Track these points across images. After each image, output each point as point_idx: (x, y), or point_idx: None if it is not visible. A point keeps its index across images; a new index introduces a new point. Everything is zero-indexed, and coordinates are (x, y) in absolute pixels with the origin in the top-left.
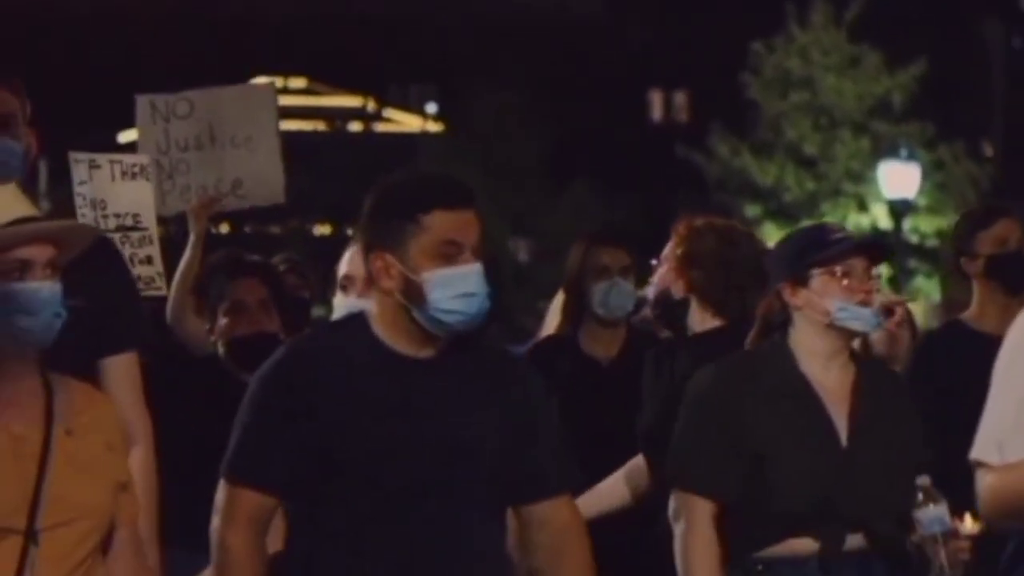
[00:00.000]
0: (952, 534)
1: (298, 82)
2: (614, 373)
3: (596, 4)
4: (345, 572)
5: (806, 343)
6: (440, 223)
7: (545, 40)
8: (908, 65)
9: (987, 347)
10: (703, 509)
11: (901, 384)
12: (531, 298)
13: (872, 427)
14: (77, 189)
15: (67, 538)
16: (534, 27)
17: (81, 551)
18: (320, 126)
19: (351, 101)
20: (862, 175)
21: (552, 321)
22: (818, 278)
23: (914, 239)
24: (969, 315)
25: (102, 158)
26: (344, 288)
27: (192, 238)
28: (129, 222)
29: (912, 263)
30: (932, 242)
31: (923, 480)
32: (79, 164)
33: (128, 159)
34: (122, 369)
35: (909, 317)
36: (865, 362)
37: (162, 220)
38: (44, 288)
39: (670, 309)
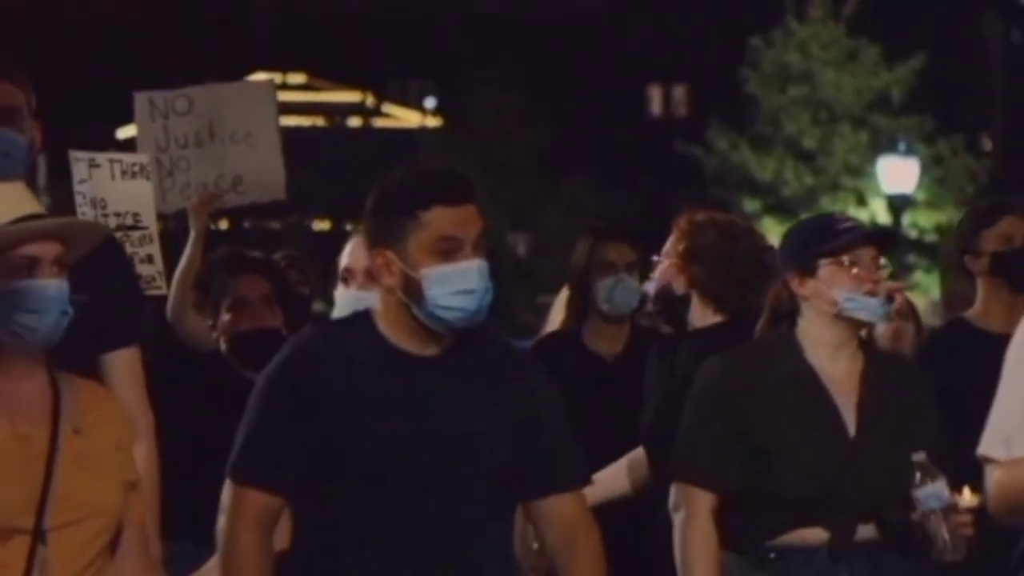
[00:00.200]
0: (952, 508)
1: (297, 78)
2: (618, 369)
3: None
4: (349, 571)
5: (814, 333)
6: (438, 219)
7: (544, 34)
8: (907, 59)
9: (992, 345)
10: (703, 500)
11: (914, 374)
12: (530, 292)
13: (880, 418)
14: (77, 188)
15: (76, 538)
16: (533, 22)
17: (90, 551)
18: (319, 122)
19: (350, 97)
20: (861, 169)
21: (556, 317)
22: (826, 268)
23: (913, 234)
24: (973, 313)
25: (101, 157)
26: (345, 280)
27: (193, 235)
28: (129, 221)
29: (911, 258)
30: (931, 237)
31: (919, 456)
32: (79, 163)
33: (128, 158)
34: (124, 364)
35: (914, 312)
36: (875, 352)
37: (161, 216)
38: (51, 286)
39: (671, 305)
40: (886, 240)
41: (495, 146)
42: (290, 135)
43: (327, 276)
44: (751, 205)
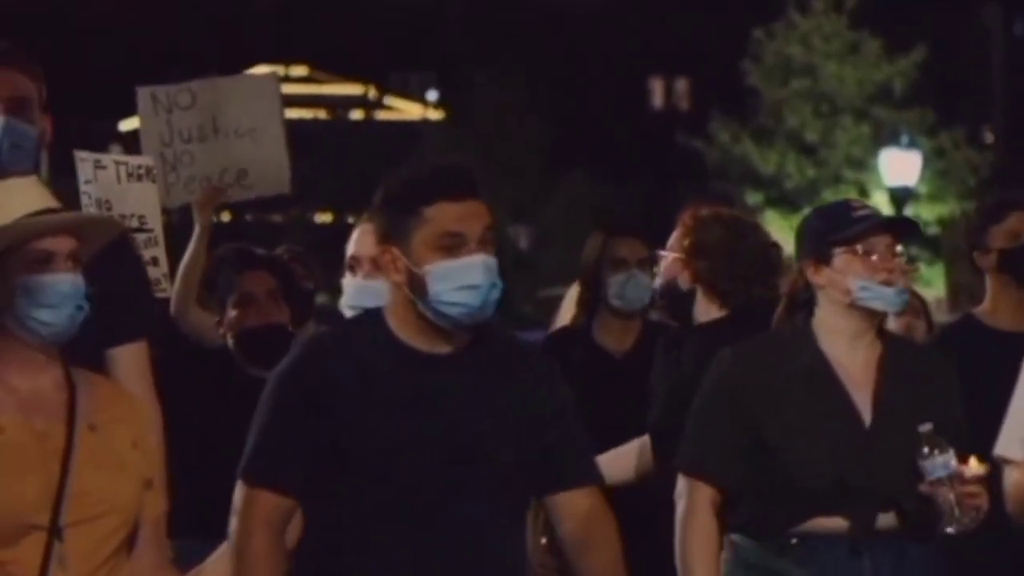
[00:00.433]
0: (958, 477)
1: (299, 70)
2: (628, 365)
3: None
4: (360, 570)
5: (829, 323)
6: (441, 214)
7: (546, 27)
8: (908, 52)
9: (1000, 343)
10: (704, 493)
11: (934, 361)
12: (531, 285)
13: (897, 406)
14: (83, 188)
15: (92, 534)
16: (535, 14)
17: (106, 548)
18: (321, 114)
19: (352, 89)
20: (863, 162)
21: (566, 312)
22: (840, 256)
23: None
24: (982, 310)
25: (107, 158)
26: (352, 269)
27: (197, 230)
28: (135, 223)
29: (913, 251)
30: (933, 229)
31: (926, 428)
32: (84, 163)
33: (133, 160)
34: (132, 359)
35: (924, 309)
36: (894, 341)
37: (164, 211)
38: (66, 280)
39: (677, 299)
40: (903, 228)
41: (497, 139)
42: (292, 128)
43: (328, 268)
44: (753, 198)
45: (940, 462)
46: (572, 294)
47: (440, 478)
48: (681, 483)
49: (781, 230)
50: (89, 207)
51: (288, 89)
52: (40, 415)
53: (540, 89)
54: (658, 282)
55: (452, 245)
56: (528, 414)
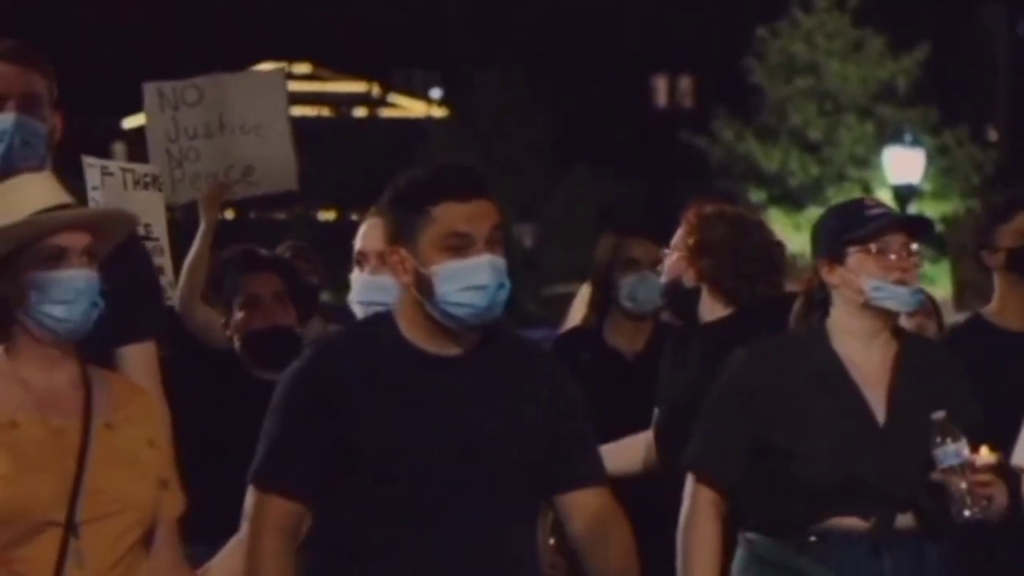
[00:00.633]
0: (970, 466)
1: (302, 68)
2: (639, 367)
3: None
4: (369, 572)
5: (844, 323)
6: (448, 214)
7: (549, 25)
8: (912, 50)
9: (1009, 343)
10: (707, 493)
11: (949, 361)
12: (535, 284)
13: (912, 405)
14: (90, 194)
15: (108, 531)
16: (538, 12)
17: (122, 545)
18: (325, 112)
19: (356, 87)
20: (867, 160)
21: (577, 313)
22: (854, 256)
23: None
24: (990, 310)
25: (114, 165)
26: (359, 263)
27: (203, 226)
28: (141, 231)
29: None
30: (937, 227)
31: (939, 415)
32: (91, 169)
33: (140, 168)
34: (140, 358)
35: (936, 309)
36: (910, 340)
37: (169, 208)
38: (80, 276)
39: (681, 298)
40: (918, 226)
41: (501, 138)
42: (295, 125)
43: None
44: (757, 196)
45: (952, 450)
46: (583, 294)
47: (449, 479)
48: (688, 482)
49: (784, 228)
50: None
51: (291, 87)
52: (56, 412)
53: (544, 87)
54: (662, 280)
55: (459, 245)
56: (537, 414)
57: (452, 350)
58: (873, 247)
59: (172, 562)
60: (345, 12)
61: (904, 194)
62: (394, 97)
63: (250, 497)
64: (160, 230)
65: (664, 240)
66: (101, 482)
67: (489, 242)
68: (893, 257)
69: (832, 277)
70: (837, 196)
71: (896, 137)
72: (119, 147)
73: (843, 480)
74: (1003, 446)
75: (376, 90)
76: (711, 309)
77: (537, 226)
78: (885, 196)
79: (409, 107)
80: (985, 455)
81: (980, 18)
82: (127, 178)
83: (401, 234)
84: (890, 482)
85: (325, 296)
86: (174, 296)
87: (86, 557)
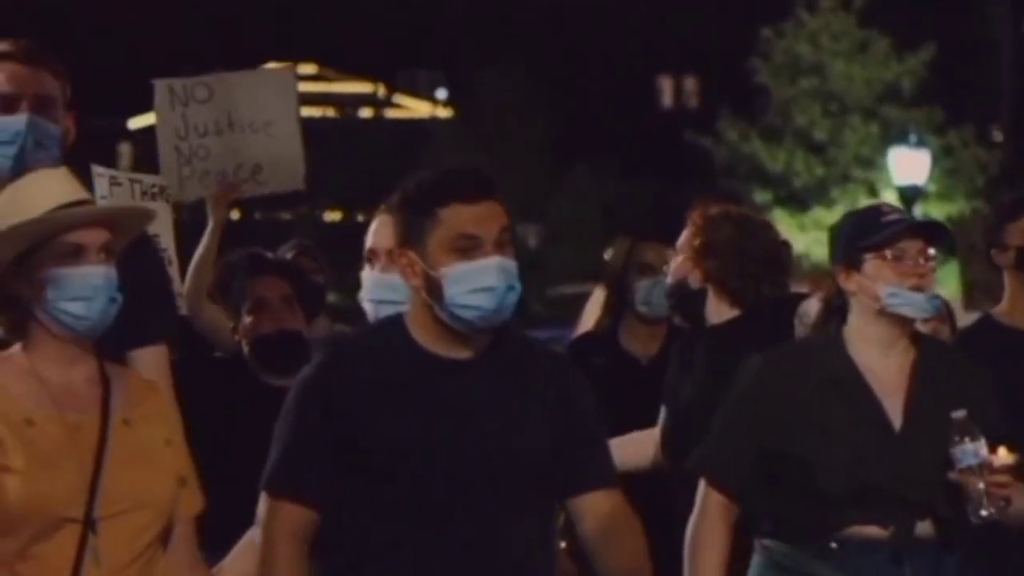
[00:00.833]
0: (987, 466)
1: (308, 68)
2: (653, 371)
3: None
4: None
5: (861, 330)
6: (456, 216)
7: (554, 25)
8: (917, 50)
9: (1019, 342)
10: (715, 498)
11: (970, 366)
12: (540, 284)
13: (930, 413)
14: (99, 202)
15: (125, 528)
16: (543, 13)
17: (139, 542)
18: (330, 112)
19: (361, 87)
20: (872, 161)
21: (590, 316)
22: (870, 262)
23: None
24: (1000, 310)
25: (123, 176)
26: (370, 261)
27: (211, 224)
28: None
29: None
30: None
31: (959, 414)
32: (100, 178)
33: (148, 179)
34: (152, 362)
35: (950, 313)
36: (929, 346)
37: (175, 206)
38: (98, 273)
39: (687, 299)
40: (934, 232)
41: (505, 138)
42: (301, 126)
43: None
44: (761, 196)
45: (971, 449)
46: (596, 298)
47: (458, 482)
48: (699, 486)
49: (789, 228)
50: None
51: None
52: (73, 408)
53: (549, 87)
54: (668, 281)
55: (467, 247)
56: (546, 417)
57: (462, 353)
58: (889, 253)
59: (189, 561)
60: (350, 13)
61: (909, 195)
62: (399, 98)
63: (263, 503)
64: (168, 240)
65: (673, 242)
66: (119, 479)
67: (498, 244)
68: (909, 263)
69: (849, 284)
70: (842, 197)
71: (901, 138)
72: (125, 148)
73: (860, 488)
74: (1015, 447)
75: (381, 91)
76: (717, 310)
77: (541, 226)
78: (890, 197)
79: (414, 108)
80: (1003, 456)
81: (985, 19)
82: (135, 188)
83: (410, 237)
84: (908, 489)
85: (331, 297)
86: (182, 306)
87: (103, 554)
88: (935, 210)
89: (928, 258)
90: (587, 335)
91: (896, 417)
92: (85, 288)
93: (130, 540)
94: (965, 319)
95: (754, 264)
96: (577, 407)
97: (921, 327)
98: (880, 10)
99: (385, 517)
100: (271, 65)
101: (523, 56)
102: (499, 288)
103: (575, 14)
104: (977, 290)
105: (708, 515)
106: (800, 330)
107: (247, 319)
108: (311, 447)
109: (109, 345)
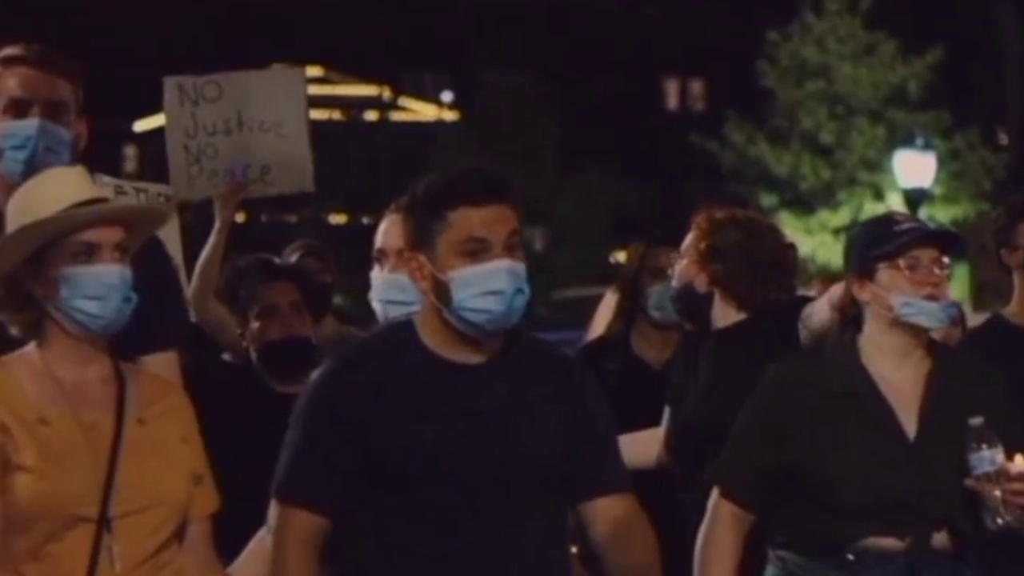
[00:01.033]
0: (1004, 473)
1: (314, 71)
2: (665, 376)
3: None
4: None
5: (876, 340)
6: (465, 219)
7: (560, 29)
8: (923, 53)
9: None
10: (727, 507)
11: (988, 374)
12: (546, 287)
13: (945, 423)
14: None
15: (140, 526)
16: (548, 16)
17: (154, 540)
18: (336, 115)
19: (367, 90)
20: (878, 164)
21: (601, 321)
22: (883, 272)
23: None
24: (1010, 311)
25: (128, 185)
26: (379, 261)
27: (218, 224)
28: None
29: None
30: None
31: (976, 421)
32: (105, 188)
33: (153, 188)
34: (163, 368)
35: (961, 317)
36: (946, 356)
37: (181, 206)
38: (112, 272)
39: (693, 303)
40: (947, 240)
41: (511, 141)
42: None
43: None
44: (768, 199)
45: (987, 457)
46: (607, 302)
47: (470, 487)
48: (712, 494)
49: (796, 232)
50: None
51: None
52: (87, 407)
53: (555, 90)
54: (673, 285)
55: (476, 250)
56: (560, 421)
57: (473, 358)
58: (902, 263)
59: (205, 559)
60: (356, 16)
61: (915, 198)
62: (405, 100)
63: (273, 510)
64: (175, 249)
65: (675, 243)
66: (133, 477)
67: (507, 247)
68: (923, 272)
69: (863, 293)
70: (848, 200)
71: (908, 141)
72: (130, 150)
73: (876, 499)
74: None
75: (387, 93)
76: (724, 314)
77: (547, 229)
78: (896, 200)
79: (420, 110)
80: (1020, 463)
81: (992, 22)
82: (140, 198)
83: (419, 240)
84: (924, 501)
85: (336, 300)
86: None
87: (118, 552)
88: (941, 213)
89: (942, 266)
90: (597, 341)
91: (911, 428)
92: (99, 287)
93: (145, 539)
94: (974, 320)
95: (761, 268)
96: (589, 410)
97: (933, 332)
98: (886, 13)
99: (397, 522)
100: (277, 67)
101: (529, 59)
102: (508, 291)
103: (581, 17)
104: (986, 291)
105: (720, 526)
106: (804, 334)
107: (255, 325)
108: (322, 453)
109: (120, 351)
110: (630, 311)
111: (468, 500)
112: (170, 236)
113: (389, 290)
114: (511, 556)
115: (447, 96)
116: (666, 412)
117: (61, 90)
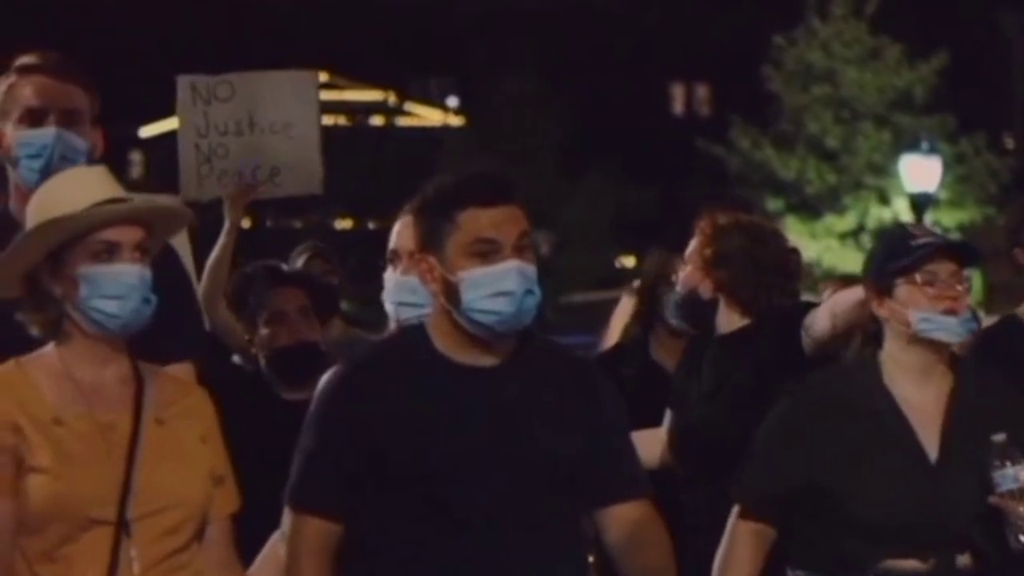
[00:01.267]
0: None
1: (320, 76)
2: None
3: None
4: None
5: (896, 357)
6: (474, 221)
7: (565, 34)
8: (929, 58)
9: None
10: (748, 525)
11: (1007, 390)
12: (552, 291)
13: (967, 444)
14: None
15: (158, 527)
16: (554, 21)
17: (172, 541)
18: (342, 120)
19: (373, 95)
20: (884, 168)
21: (617, 326)
22: (901, 287)
23: None
24: (1023, 311)
25: (138, 199)
26: (392, 262)
27: (227, 225)
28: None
29: None
30: (954, 236)
31: (999, 438)
32: None
33: (161, 199)
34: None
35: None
36: (968, 372)
37: (190, 206)
38: (132, 272)
39: (698, 309)
40: (965, 253)
41: (517, 146)
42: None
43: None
44: (773, 204)
45: (1011, 474)
46: (622, 307)
47: (487, 491)
48: (733, 511)
49: (801, 236)
50: None
51: None
52: (105, 407)
53: (560, 94)
54: (677, 291)
55: (485, 252)
56: (576, 423)
57: (485, 360)
58: (919, 277)
59: (224, 559)
60: (361, 21)
61: (921, 202)
62: (410, 105)
63: (286, 517)
64: (185, 254)
65: (680, 248)
66: (151, 478)
67: (517, 248)
68: (941, 287)
69: (881, 310)
70: (854, 204)
71: (913, 145)
72: (136, 156)
73: (897, 521)
74: None
75: (392, 98)
76: (728, 320)
77: (552, 234)
78: (902, 204)
79: (426, 116)
80: None
81: (997, 26)
82: None
83: (429, 242)
84: (946, 523)
85: (343, 305)
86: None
87: (136, 553)
88: (946, 217)
89: (961, 280)
90: (614, 348)
91: (933, 450)
92: (119, 286)
93: (163, 539)
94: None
95: (765, 273)
96: (605, 413)
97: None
98: (892, 17)
99: (410, 527)
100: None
101: (534, 64)
102: (517, 292)
103: (586, 22)
104: (998, 293)
105: (740, 543)
106: (806, 340)
107: (264, 331)
108: (334, 459)
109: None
110: (648, 317)
111: (481, 503)
112: (180, 244)
113: (401, 292)
114: (527, 559)
115: (452, 101)
116: (667, 414)
117: (76, 99)
